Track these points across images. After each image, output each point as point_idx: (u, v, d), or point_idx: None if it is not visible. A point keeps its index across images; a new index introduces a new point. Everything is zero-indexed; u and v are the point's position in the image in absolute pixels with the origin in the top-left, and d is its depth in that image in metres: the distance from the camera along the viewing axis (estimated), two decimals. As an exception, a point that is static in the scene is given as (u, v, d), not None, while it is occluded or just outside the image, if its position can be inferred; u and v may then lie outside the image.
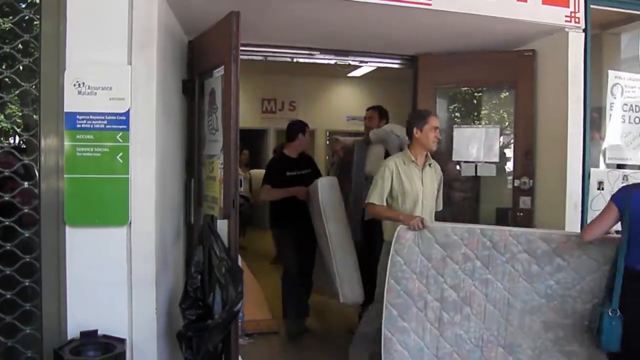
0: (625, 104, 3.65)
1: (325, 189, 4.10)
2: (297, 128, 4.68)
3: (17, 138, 2.94)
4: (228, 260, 2.73)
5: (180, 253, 3.53)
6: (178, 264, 3.43)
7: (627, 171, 3.65)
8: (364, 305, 4.37)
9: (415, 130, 3.31)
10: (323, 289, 4.77)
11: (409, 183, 3.30)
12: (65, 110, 2.57)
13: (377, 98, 9.70)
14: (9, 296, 2.62)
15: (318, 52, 4.17)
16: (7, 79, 2.64)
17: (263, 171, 5.66)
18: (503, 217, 3.93)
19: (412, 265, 3.01)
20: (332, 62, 4.39)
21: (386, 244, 3.26)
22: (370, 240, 4.54)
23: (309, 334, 4.67)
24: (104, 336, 2.55)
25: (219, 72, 3.09)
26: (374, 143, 4.53)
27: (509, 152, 4.08)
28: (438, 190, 3.46)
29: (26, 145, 2.79)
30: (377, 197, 3.31)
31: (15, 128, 2.87)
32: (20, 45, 2.67)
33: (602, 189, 3.58)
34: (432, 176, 3.41)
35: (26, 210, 2.64)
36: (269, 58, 4.17)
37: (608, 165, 3.66)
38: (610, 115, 3.62)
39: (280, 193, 4.43)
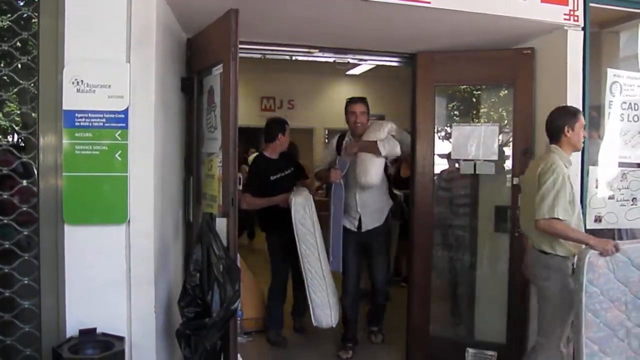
0: (624, 102, 3.65)
1: (299, 207, 3.93)
2: (276, 127, 4.46)
3: (16, 136, 2.93)
4: (225, 258, 2.73)
5: (179, 251, 3.53)
6: (177, 262, 3.44)
7: (625, 169, 3.66)
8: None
9: (566, 129, 3.01)
10: None
11: (575, 190, 3.01)
12: (64, 108, 2.57)
13: (376, 96, 9.73)
14: (7, 294, 2.62)
15: (317, 50, 4.15)
16: (5, 77, 2.64)
17: None
18: (502, 215, 3.93)
19: (610, 293, 2.82)
20: (331, 60, 4.37)
21: (558, 261, 2.96)
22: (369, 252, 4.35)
23: (308, 332, 4.68)
24: (103, 334, 2.55)
25: (218, 69, 3.09)
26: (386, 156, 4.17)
27: (508, 150, 4.08)
28: None
29: (25, 143, 2.78)
30: (561, 211, 2.83)
31: (14, 126, 2.86)
32: (18, 43, 2.66)
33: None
34: None
35: (25, 209, 2.64)
36: (267, 56, 4.16)
37: (621, 164, 3.65)
38: (609, 113, 3.62)
39: (262, 203, 4.29)
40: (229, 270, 2.71)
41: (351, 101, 4.29)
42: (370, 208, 4.22)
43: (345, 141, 4.33)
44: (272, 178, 4.34)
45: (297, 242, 3.94)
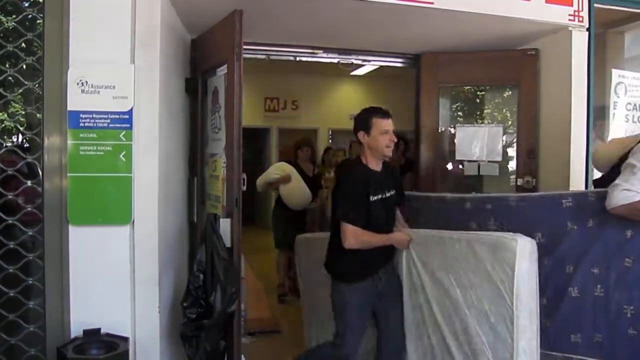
0: (629, 103, 3.64)
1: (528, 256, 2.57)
2: (356, 121, 3.00)
3: (21, 136, 2.94)
4: (227, 259, 2.74)
5: (183, 251, 3.53)
6: (181, 263, 3.44)
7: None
8: None
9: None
10: None
11: None
12: (69, 108, 2.57)
13: (380, 96, 9.76)
14: (12, 294, 2.63)
15: (321, 51, 4.16)
16: (10, 78, 2.65)
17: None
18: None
19: None
20: (335, 60, 4.37)
21: None
22: None
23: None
24: (107, 334, 2.55)
25: (222, 70, 3.10)
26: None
27: (512, 151, 4.08)
28: None
29: (29, 143, 2.79)
30: None
31: (19, 126, 2.87)
32: (23, 44, 2.67)
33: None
34: None
35: (29, 209, 2.64)
36: (271, 57, 4.17)
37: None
38: (614, 114, 3.62)
39: (379, 240, 2.91)
40: (228, 271, 2.71)
41: None
42: None
43: None
44: (372, 199, 2.89)
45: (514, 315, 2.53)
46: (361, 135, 2.93)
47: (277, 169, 5.53)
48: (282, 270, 5.66)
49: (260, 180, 5.44)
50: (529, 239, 2.62)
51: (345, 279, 2.98)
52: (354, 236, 2.81)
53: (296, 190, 5.35)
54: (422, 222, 3.14)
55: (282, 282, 5.66)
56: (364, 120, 2.94)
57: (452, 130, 4.34)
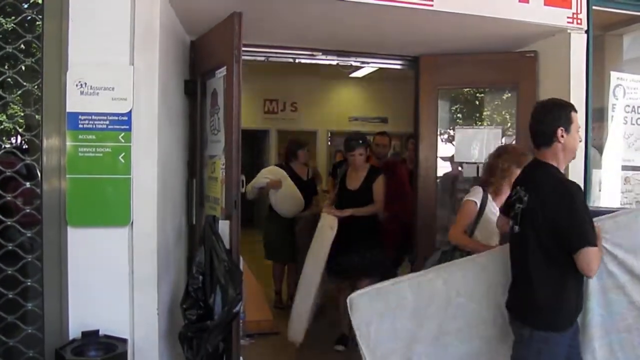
0: (628, 105, 3.65)
1: None
2: (549, 116, 2.45)
3: (19, 138, 2.94)
4: (228, 261, 2.73)
5: (182, 253, 3.53)
6: (180, 264, 3.44)
7: (628, 172, 3.65)
8: None
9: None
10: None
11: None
12: (68, 110, 2.57)
13: (379, 98, 9.78)
14: (10, 296, 2.62)
15: (320, 53, 4.16)
16: (9, 79, 2.65)
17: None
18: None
19: None
20: (334, 62, 4.37)
21: None
22: None
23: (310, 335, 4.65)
24: (106, 336, 2.55)
25: (221, 72, 3.10)
26: None
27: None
28: None
29: (28, 145, 2.79)
30: None
31: (18, 128, 2.87)
32: (22, 46, 2.67)
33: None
34: None
35: (28, 210, 2.64)
36: (270, 59, 4.16)
37: (624, 168, 3.65)
38: (612, 116, 3.62)
39: (601, 250, 2.36)
40: (231, 273, 2.71)
41: None
42: None
43: None
44: None
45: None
46: (560, 133, 2.31)
47: (268, 172, 5.31)
48: (278, 280, 5.46)
49: (249, 187, 5.07)
50: None
51: (560, 327, 2.25)
52: (599, 260, 2.20)
53: (287, 196, 5.11)
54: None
55: (278, 290, 5.49)
56: (564, 115, 2.34)
57: (452, 132, 4.34)
